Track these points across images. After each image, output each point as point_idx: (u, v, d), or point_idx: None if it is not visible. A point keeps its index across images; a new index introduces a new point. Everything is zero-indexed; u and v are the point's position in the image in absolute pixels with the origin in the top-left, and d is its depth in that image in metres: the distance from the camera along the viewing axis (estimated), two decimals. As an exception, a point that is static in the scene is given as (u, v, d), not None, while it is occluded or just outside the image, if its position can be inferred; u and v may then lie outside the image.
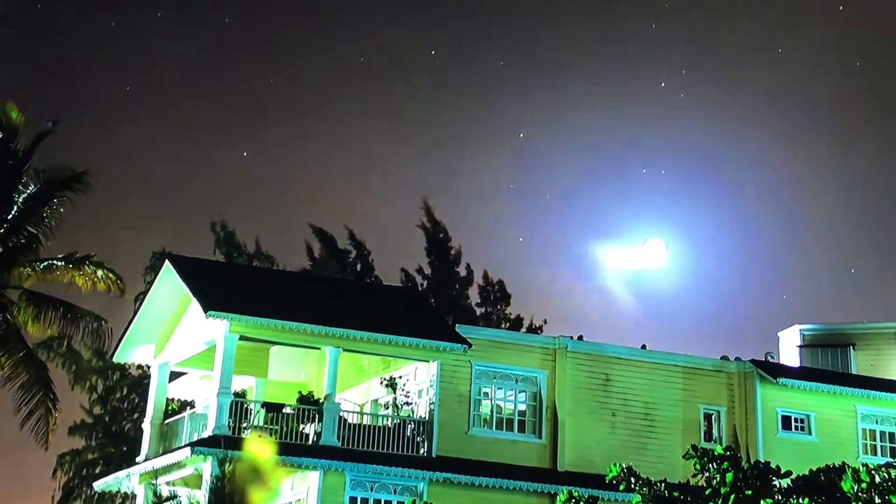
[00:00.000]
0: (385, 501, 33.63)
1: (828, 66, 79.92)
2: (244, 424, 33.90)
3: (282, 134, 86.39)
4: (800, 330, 45.11)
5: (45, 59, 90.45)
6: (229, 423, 33.44)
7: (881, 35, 77.65)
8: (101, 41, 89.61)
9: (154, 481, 35.89)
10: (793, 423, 38.47)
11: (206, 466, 32.64)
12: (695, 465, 23.18)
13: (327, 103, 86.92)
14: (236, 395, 35.15)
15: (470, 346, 35.33)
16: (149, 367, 41.89)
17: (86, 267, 34.20)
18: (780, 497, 22.58)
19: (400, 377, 36.77)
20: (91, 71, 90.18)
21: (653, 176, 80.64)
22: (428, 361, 35.68)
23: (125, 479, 38.62)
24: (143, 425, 38.85)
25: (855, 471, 22.64)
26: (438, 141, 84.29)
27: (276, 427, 34.01)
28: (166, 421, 38.00)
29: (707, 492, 22.47)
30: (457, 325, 37.83)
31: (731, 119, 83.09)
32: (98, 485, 41.86)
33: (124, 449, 51.25)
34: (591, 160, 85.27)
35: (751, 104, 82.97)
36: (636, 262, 70.06)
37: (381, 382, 37.00)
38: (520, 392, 36.54)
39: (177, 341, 37.90)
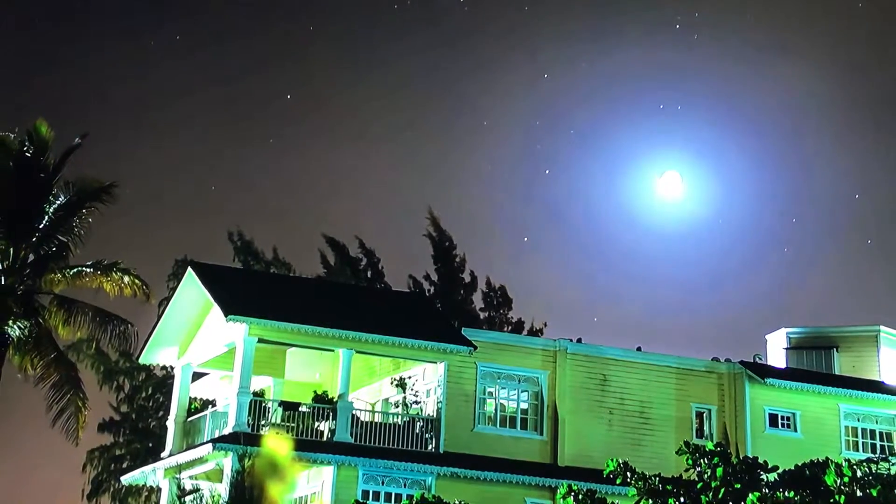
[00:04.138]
0: (395, 494, 33.69)
1: (830, 9, 79.88)
2: (263, 422, 33.99)
3: (286, 140, 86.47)
4: (786, 333, 45.11)
5: (72, 73, 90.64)
6: (249, 420, 33.55)
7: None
8: (128, 53, 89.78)
9: (178, 475, 35.96)
10: (779, 421, 38.49)
11: (227, 462, 32.74)
12: (687, 460, 23.31)
13: (329, 102, 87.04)
14: (255, 394, 35.26)
15: (475, 348, 35.38)
16: (172, 368, 42.00)
17: (113, 273, 34.21)
18: (767, 490, 22.68)
19: (409, 377, 36.86)
20: (111, 84, 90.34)
21: (669, 111, 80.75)
22: (436, 363, 35.74)
23: (151, 474, 38.75)
24: (168, 423, 38.95)
25: (838, 466, 22.75)
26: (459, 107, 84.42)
27: (292, 424, 34.09)
28: (189, 419, 38.11)
29: (699, 485, 22.58)
30: (463, 328, 37.87)
31: (742, 61, 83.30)
32: (125, 479, 41.97)
33: (150, 445, 51.34)
34: (611, 98, 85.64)
35: (760, 49, 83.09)
36: (653, 196, 69.24)
37: (392, 382, 37.09)
38: (522, 391, 36.58)
39: (199, 344, 38.00)
